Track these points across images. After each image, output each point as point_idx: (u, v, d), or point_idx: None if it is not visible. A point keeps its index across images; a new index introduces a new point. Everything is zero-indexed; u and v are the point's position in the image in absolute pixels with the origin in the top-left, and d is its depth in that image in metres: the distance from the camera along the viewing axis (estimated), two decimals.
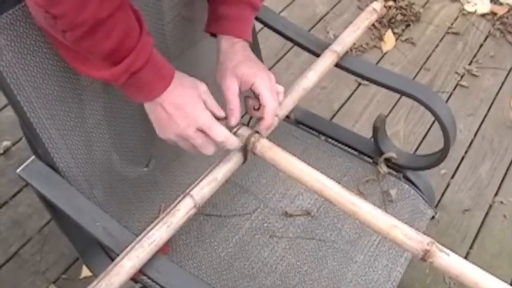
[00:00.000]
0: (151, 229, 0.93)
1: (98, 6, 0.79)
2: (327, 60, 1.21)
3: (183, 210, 0.96)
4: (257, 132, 1.02)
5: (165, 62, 0.94)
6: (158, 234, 0.93)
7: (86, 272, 1.69)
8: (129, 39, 0.85)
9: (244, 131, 1.02)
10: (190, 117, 0.94)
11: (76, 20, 0.78)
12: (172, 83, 0.93)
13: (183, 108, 0.94)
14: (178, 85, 0.95)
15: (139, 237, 0.93)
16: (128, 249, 0.91)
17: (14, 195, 1.88)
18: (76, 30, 0.80)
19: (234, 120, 1.02)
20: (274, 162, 1.00)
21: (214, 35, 1.11)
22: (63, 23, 0.79)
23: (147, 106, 0.96)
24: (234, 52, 1.06)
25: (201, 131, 0.96)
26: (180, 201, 0.97)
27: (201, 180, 0.99)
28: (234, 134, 1.01)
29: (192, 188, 0.98)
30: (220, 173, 1.01)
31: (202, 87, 0.98)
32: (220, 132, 0.97)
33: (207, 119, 0.96)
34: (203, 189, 0.98)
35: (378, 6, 1.29)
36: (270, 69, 1.37)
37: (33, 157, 1.04)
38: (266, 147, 1.01)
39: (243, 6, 1.08)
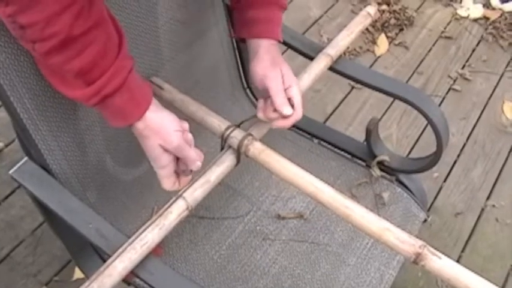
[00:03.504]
0: (143, 231, 0.93)
1: (72, 22, 0.76)
2: (320, 63, 1.21)
3: (175, 212, 0.96)
4: (250, 134, 1.03)
5: (143, 88, 0.91)
6: (150, 236, 0.93)
7: (78, 274, 1.69)
8: (103, 61, 0.83)
9: (238, 134, 1.02)
10: (157, 162, 0.96)
11: (45, 31, 0.76)
12: (150, 109, 0.91)
13: (153, 153, 0.95)
14: (156, 120, 0.93)
15: (132, 238, 0.93)
16: (119, 250, 0.91)
17: (7, 197, 1.88)
18: (45, 42, 0.78)
19: (288, 109, 1.03)
20: (267, 165, 1.00)
21: (242, 39, 1.11)
22: (32, 34, 0.77)
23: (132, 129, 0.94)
24: (270, 53, 1.07)
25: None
26: (172, 203, 0.97)
27: (193, 182, 0.99)
28: (227, 136, 1.01)
29: (185, 190, 0.98)
30: (213, 175, 1.01)
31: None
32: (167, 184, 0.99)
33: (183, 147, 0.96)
34: (196, 191, 0.98)
35: (372, 10, 1.30)
36: None
37: (26, 158, 1.04)
38: (259, 150, 1.01)
39: (272, 8, 1.08)
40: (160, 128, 0.92)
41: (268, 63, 1.05)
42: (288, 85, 1.04)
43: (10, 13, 0.75)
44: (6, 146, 2.01)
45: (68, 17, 0.76)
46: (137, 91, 0.90)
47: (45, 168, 1.04)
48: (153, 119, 0.92)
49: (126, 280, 1.12)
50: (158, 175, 0.98)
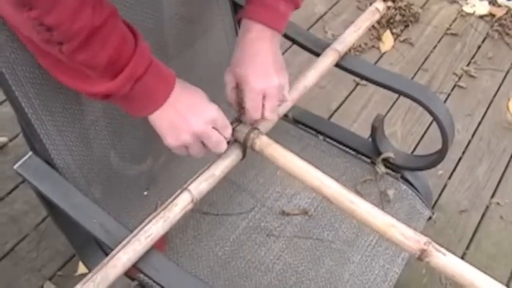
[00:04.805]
0: (148, 223, 0.93)
1: (91, 14, 0.77)
2: (327, 59, 1.21)
3: (180, 205, 0.95)
4: (256, 128, 1.02)
5: (164, 66, 0.92)
6: (155, 228, 0.93)
7: (82, 269, 1.69)
8: (126, 46, 0.84)
9: (243, 128, 1.02)
10: (205, 115, 0.94)
11: (72, 28, 0.76)
12: (176, 84, 0.92)
13: (197, 107, 0.94)
14: (184, 86, 0.94)
15: (136, 230, 0.92)
16: (124, 242, 0.91)
17: (10, 192, 1.88)
18: (73, 40, 0.78)
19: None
20: (273, 158, 1.00)
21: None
22: (60, 33, 0.77)
23: (156, 114, 0.92)
24: (244, 42, 1.02)
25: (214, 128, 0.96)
26: (177, 195, 0.96)
27: (199, 176, 0.99)
28: (233, 130, 1.01)
29: (190, 183, 0.98)
30: (218, 169, 1.00)
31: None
32: (229, 131, 0.98)
33: (222, 116, 0.97)
34: (201, 184, 0.98)
35: (380, 6, 1.28)
36: None
37: (30, 153, 1.03)
38: (265, 144, 1.00)
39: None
40: (188, 84, 0.96)
41: (233, 53, 1.03)
42: (241, 88, 1.02)
43: (35, 16, 0.75)
44: (11, 140, 2.01)
45: (87, 10, 0.76)
46: (162, 67, 0.91)
47: (50, 163, 1.04)
48: (184, 81, 0.95)
49: (130, 276, 1.12)
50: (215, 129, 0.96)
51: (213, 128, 0.95)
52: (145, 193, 1.26)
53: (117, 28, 0.83)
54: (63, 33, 0.77)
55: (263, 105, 1.02)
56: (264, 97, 1.01)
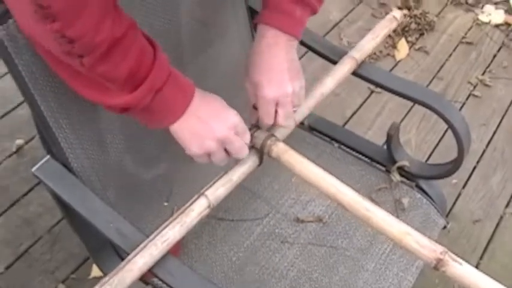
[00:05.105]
0: (164, 227, 0.94)
1: (112, 26, 0.77)
2: (345, 67, 1.20)
3: (197, 210, 0.96)
4: (273, 135, 1.02)
5: (183, 76, 0.92)
6: (171, 233, 0.93)
7: (95, 272, 1.70)
8: (145, 58, 0.84)
9: (260, 134, 1.02)
10: (228, 120, 0.94)
11: (94, 40, 0.76)
12: (195, 94, 0.92)
13: (219, 113, 0.94)
14: (203, 95, 0.94)
15: (153, 235, 0.93)
16: (141, 246, 0.91)
17: (26, 194, 1.89)
18: (94, 52, 0.78)
19: (254, 119, 1.04)
20: (289, 165, 1.00)
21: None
22: (81, 46, 0.77)
23: (177, 125, 0.92)
24: (259, 47, 1.02)
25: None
26: (194, 201, 0.97)
27: (216, 181, 0.99)
28: (251, 136, 1.01)
29: (207, 188, 0.98)
30: (236, 174, 1.01)
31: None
32: (248, 136, 0.99)
33: (242, 121, 0.97)
34: (218, 189, 0.98)
35: (397, 14, 1.28)
36: None
37: (48, 156, 1.04)
38: (282, 150, 1.01)
39: (300, 4, 1.01)
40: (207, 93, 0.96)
41: (247, 59, 1.03)
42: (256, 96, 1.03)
43: (58, 28, 0.74)
44: (27, 143, 2.03)
45: (108, 22, 0.77)
46: (181, 78, 0.91)
47: (67, 166, 1.04)
48: (203, 90, 0.95)
49: (144, 280, 1.12)
50: (238, 139, 0.96)
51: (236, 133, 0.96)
52: (166, 204, 1.27)
53: (137, 40, 0.83)
54: (84, 45, 0.77)
55: (276, 112, 1.02)
56: (277, 104, 1.01)
